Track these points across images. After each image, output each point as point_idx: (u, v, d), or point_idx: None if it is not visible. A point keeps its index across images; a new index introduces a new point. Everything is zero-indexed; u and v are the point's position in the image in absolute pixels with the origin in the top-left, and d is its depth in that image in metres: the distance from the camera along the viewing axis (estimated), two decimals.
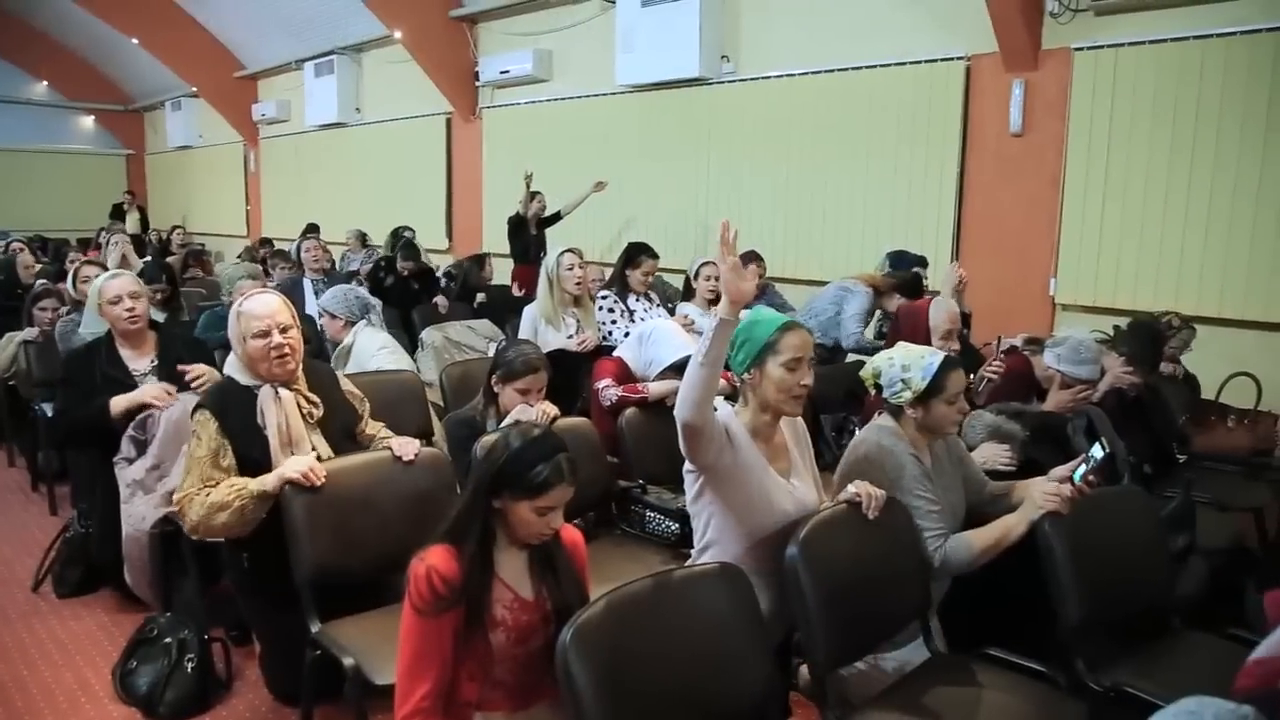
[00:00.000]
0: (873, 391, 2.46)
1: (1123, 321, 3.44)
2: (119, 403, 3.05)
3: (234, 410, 2.49)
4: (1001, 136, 5.15)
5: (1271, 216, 4.25)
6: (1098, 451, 2.28)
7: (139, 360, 3.24)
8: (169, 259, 8.26)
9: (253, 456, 2.44)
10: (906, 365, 2.33)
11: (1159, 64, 4.52)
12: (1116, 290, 4.73)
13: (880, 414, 2.45)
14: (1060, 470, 2.33)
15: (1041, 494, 2.24)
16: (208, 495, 2.37)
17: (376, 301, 4.15)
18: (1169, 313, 4.01)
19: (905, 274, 4.60)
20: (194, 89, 12.46)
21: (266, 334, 2.49)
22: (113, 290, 3.21)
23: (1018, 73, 5.03)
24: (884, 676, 2.24)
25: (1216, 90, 4.35)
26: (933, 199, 5.44)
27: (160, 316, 4.11)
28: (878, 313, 4.69)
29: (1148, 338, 3.27)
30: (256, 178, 12.46)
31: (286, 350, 2.51)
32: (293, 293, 5.49)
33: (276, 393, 2.53)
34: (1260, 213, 4.28)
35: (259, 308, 2.52)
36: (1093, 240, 4.83)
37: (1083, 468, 2.27)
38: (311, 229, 8.64)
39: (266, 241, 9.36)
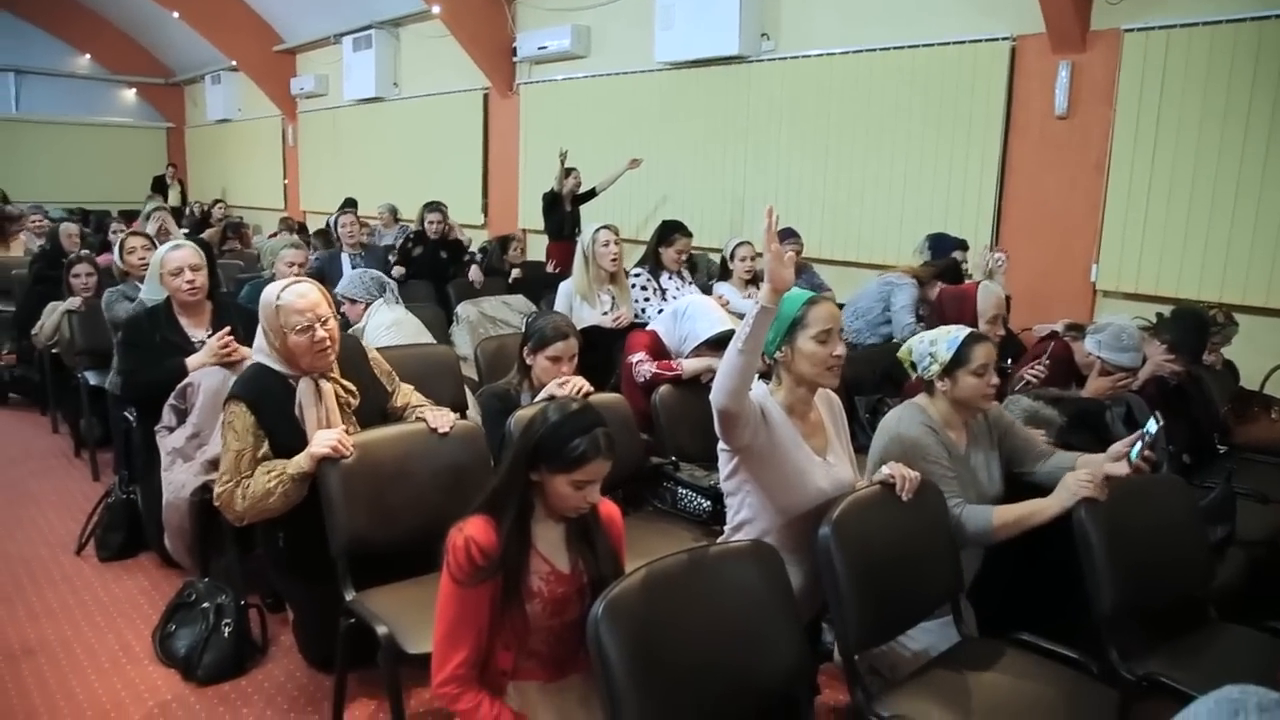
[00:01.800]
0: (910, 373, 2.48)
1: (1164, 309, 3.38)
2: (194, 362, 3.11)
3: (270, 401, 2.48)
4: (1046, 119, 5.05)
5: None
6: (1152, 425, 2.27)
7: (196, 330, 3.30)
8: (207, 232, 8.39)
9: (291, 447, 2.44)
10: (934, 340, 2.42)
11: (1212, 46, 4.40)
12: (1159, 278, 4.64)
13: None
14: (1118, 446, 2.31)
15: (1076, 480, 2.22)
16: (248, 487, 2.39)
17: (392, 281, 4.15)
18: (1213, 306, 3.94)
19: (945, 261, 4.56)
20: (233, 63, 12.56)
21: (309, 328, 2.46)
22: (175, 262, 3.26)
23: (1064, 54, 4.93)
24: (914, 658, 2.24)
25: (1271, 74, 4.23)
26: (974, 182, 5.36)
27: None
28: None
29: (1192, 326, 3.22)
30: (294, 152, 12.55)
31: (328, 343, 2.51)
32: (330, 267, 5.58)
33: (317, 386, 2.53)
34: None
35: (299, 301, 2.47)
36: (1136, 227, 4.73)
37: (1139, 445, 2.25)
38: (349, 203, 8.70)
39: (302, 228, 9.43)
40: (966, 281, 4.26)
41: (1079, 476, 2.23)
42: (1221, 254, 4.46)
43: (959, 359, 2.36)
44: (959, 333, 2.41)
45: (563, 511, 1.80)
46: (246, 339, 2.99)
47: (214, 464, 2.74)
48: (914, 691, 1.99)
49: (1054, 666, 2.12)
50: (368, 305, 3.89)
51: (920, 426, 2.37)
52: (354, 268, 5.75)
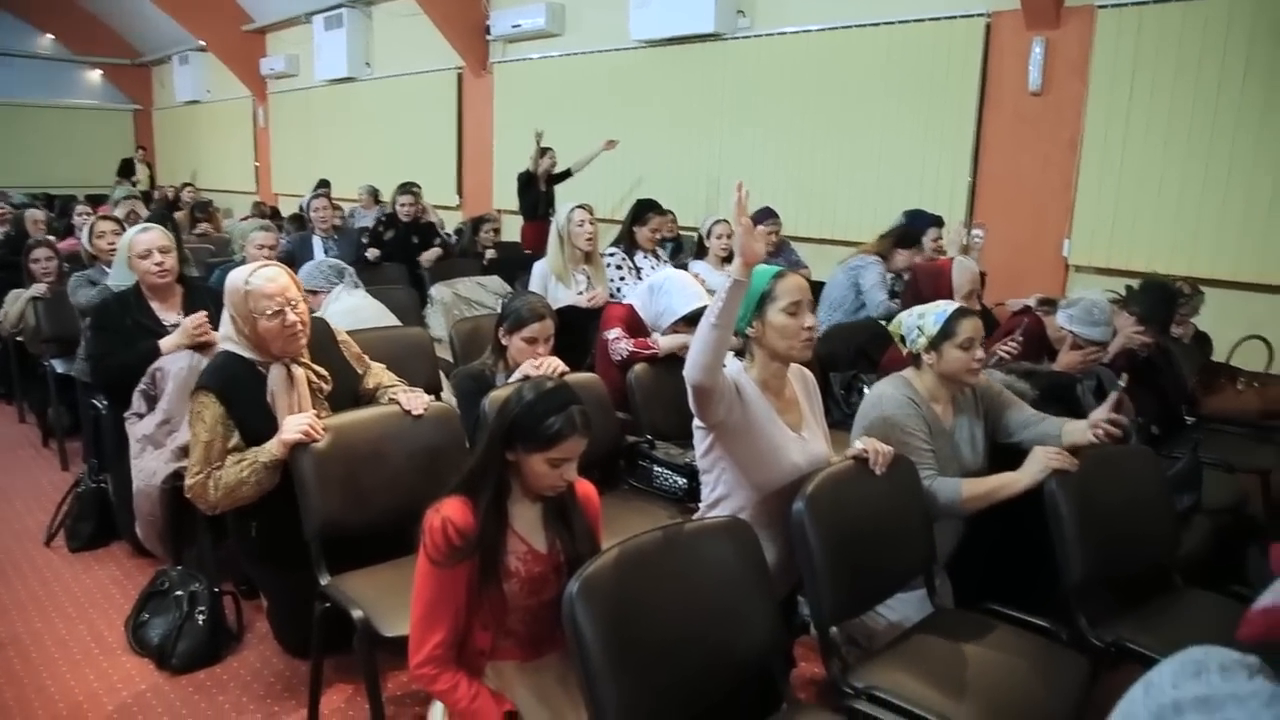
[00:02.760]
0: (900, 345, 2.51)
1: (1135, 284, 3.41)
2: (168, 344, 3.07)
3: (240, 390, 2.44)
4: (1020, 95, 5.07)
5: None
6: (1120, 383, 2.34)
7: (167, 313, 3.26)
8: (176, 214, 8.27)
9: (263, 435, 2.40)
10: (923, 314, 2.45)
11: (1183, 22, 4.43)
12: (1131, 253, 4.68)
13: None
14: (1099, 413, 2.35)
15: (1045, 453, 2.26)
16: (220, 478, 2.37)
17: (350, 266, 4.09)
18: (1181, 279, 3.98)
19: (898, 228, 4.60)
20: (202, 43, 12.35)
21: (280, 313, 2.42)
22: (143, 244, 3.20)
23: (1039, 30, 4.94)
24: (888, 629, 2.27)
25: (1241, 52, 4.27)
26: (949, 158, 5.37)
27: None
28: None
29: (1160, 297, 3.25)
30: (266, 133, 12.39)
31: (299, 327, 2.47)
32: (302, 250, 5.52)
33: (289, 371, 2.49)
34: (1277, 178, 4.21)
35: (268, 285, 2.43)
36: (1109, 202, 4.77)
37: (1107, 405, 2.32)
38: (322, 185, 8.61)
39: (275, 212, 9.31)
40: (942, 257, 4.29)
41: (1048, 450, 2.27)
42: (1191, 229, 4.50)
43: (946, 332, 2.38)
44: (947, 306, 2.44)
45: (539, 490, 1.79)
46: (218, 325, 2.94)
47: (185, 450, 2.71)
48: (887, 663, 2.01)
49: (1025, 635, 2.15)
50: (327, 294, 3.85)
51: (904, 400, 2.39)
52: (326, 252, 5.71)
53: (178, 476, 2.82)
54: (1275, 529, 3.11)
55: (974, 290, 3.07)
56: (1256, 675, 0.87)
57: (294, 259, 5.03)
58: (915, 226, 4.63)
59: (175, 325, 3.18)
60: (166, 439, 2.98)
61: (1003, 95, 5.15)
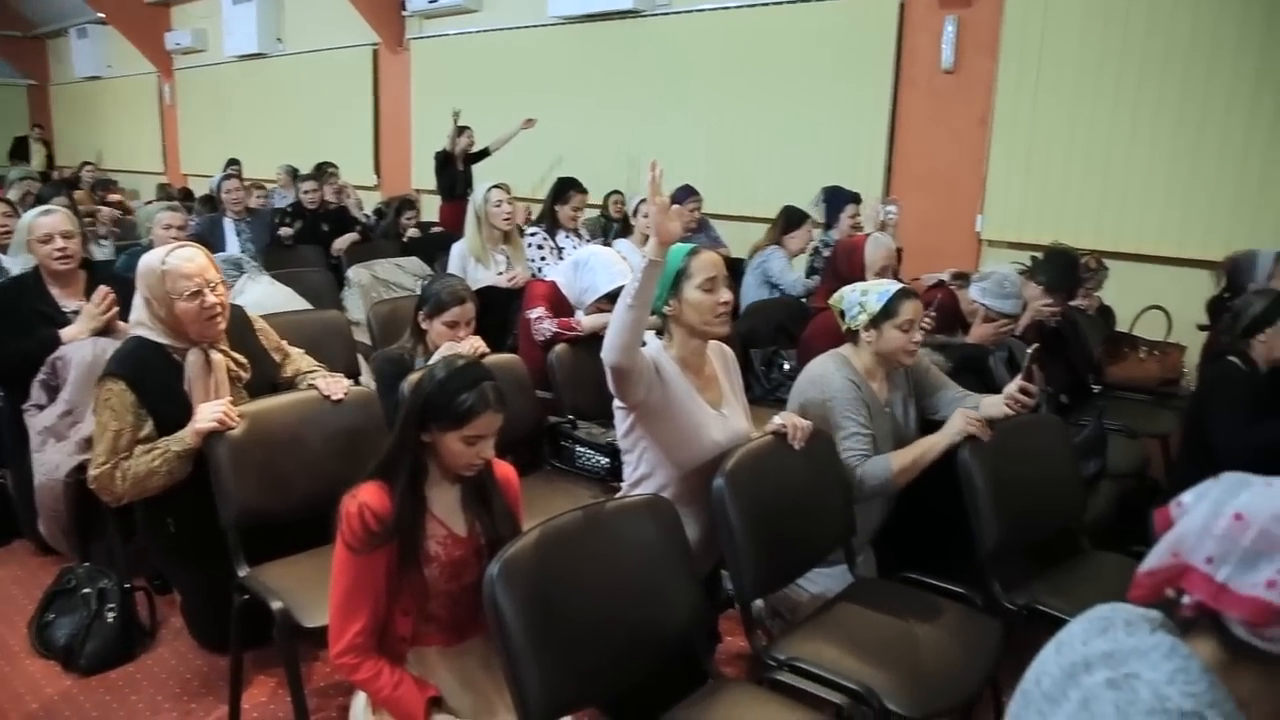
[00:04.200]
0: (839, 320, 2.51)
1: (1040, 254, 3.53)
2: (69, 332, 2.92)
3: (152, 377, 2.35)
4: (933, 73, 5.17)
5: (1185, 159, 4.37)
6: (1030, 350, 2.41)
7: (69, 300, 3.10)
8: (77, 194, 7.89)
9: (177, 424, 2.31)
10: (866, 290, 2.46)
11: (1089, 4, 4.56)
12: (1040, 228, 4.81)
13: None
14: (1011, 387, 2.42)
15: (963, 415, 2.32)
16: (128, 468, 2.28)
17: (248, 258, 3.95)
18: (1086, 253, 4.12)
19: (778, 217, 4.79)
20: (100, 15, 11.77)
21: (199, 294, 2.34)
22: (44, 228, 3.04)
23: (951, 9, 5.03)
24: (810, 601, 2.31)
25: (1143, 31, 4.42)
26: (865, 135, 5.45)
27: None
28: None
29: (1063, 265, 3.36)
30: (173, 111, 11.89)
31: (219, 309, 2.39)
32: (211, 233, 5.32)
33: (208, 358, 2.41)
34: (1175, 155, 4.39)
35: (187, 265, 2.35)
36: (1018, 178, 4.91)
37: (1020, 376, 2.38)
38: (232, 165, 8.32)
39: (186, 194, 8.96)
40: (858, 234, 4.37)
41: (966, 412, 2.34)
42: (1096, 203, 4.66)
43: (887, 311, 2.39)
44: (891, 286, 2.45)
45: (457, 470, 1.78)
46: (124, 310, 2.81)
47: (89, 442, 2.60)
48: (808, 634, 2.05)
49: (942, 602, 2.21)
50: (229, 289, 3.71)
51: (846, 382, 2.39)
52: (239, 234, 5.53)
53: (82, 470, 2.69)
54: (1172, 490, 3.26)
55: (888, 265, 3.12)
56: (1158, 629, 0.92)
57: (204, 243, 4.83)
58: (797, 209, 4.77)
59: (77, 312, 3.04)
60: (69, 430, 2.86)
61: (916, 73, 5.24)
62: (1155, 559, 0.93)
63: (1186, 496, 0.94)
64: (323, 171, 6.88)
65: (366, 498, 1.70)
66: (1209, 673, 0.86)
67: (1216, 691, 0.85)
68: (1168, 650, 0.88)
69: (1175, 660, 0.87)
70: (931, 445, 2.32)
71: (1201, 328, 3.72)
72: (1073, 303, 3.71)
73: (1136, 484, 3.23)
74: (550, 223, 4.54)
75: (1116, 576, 2.39)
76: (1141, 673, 0.87)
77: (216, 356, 2.44)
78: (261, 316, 2.83)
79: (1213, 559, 0.87)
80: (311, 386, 2.54)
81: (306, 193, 6.04)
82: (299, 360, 2.74)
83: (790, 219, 4.73)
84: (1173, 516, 0.94)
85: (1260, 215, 4.16)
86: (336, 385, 2.52)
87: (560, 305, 3.33)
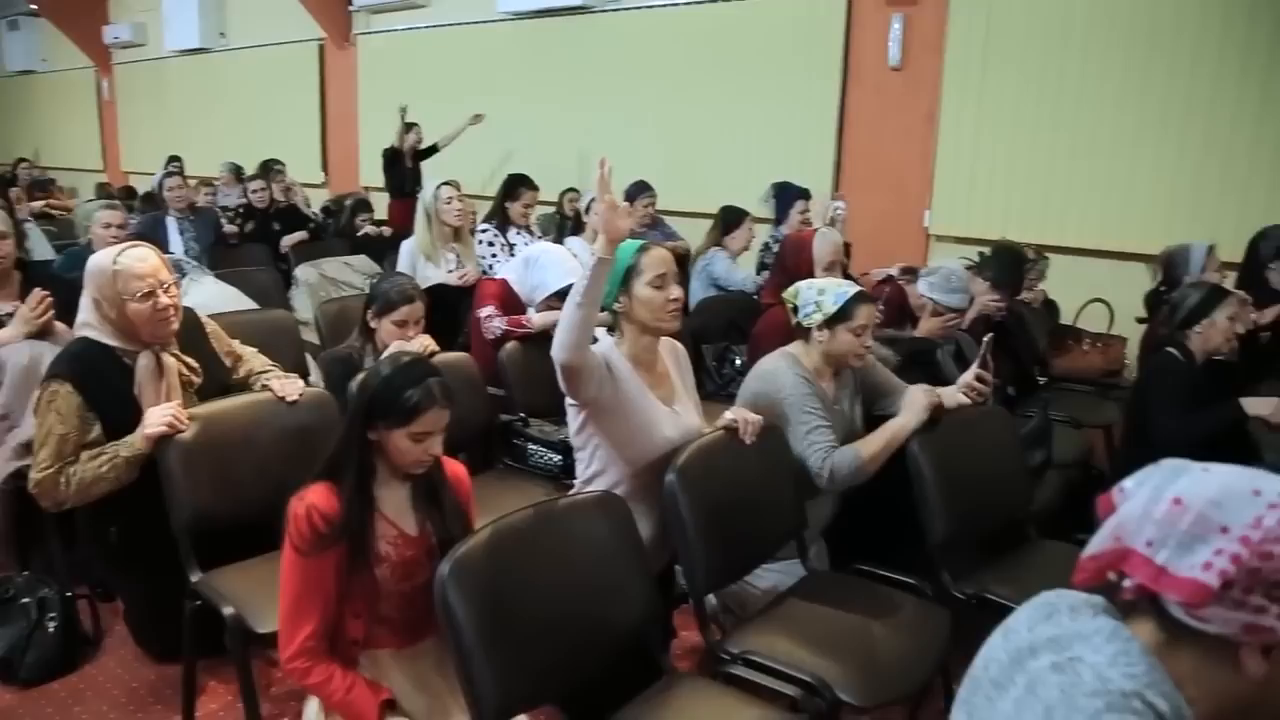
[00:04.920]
0: (791, 314, 2.50)
1: (988, 250, 3.59)
2: (3, 335, 2.81)
3: (100, 380, 2.29)
4: (881, 70, 5.22)
5: (1124, 155, 4.48)
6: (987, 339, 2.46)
7: (3, 302, 2.99)
8: (12, 192, 7.65)
9: (126, 429, 2.26)
10: (823, 290, 2.44)
11: (1031, 2, 4.65)
12: (987, 223, 4.89)
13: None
14: (966, 376, 2.47)
15: (920, 392, 2.36)
16: (74, 474, 2.22)
17: (190, 259, 3.86)
18: (1029, 246, 4.20)
19: (716, 218, 4.78)
20: (32, 6, 11.40)
21: (152, 294, 2.28)
22: None
23: (897, 7, 5.09)
24: (764, 595, 2.32)
25: (1082, 32, 4.52)
26: (814, 132, 5.50)
27: None
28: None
29: (1009, 261, 3.42)
30: (112, 107, 11.58)
31: (171, 311, 2.34)
32: (154, 232, 5.20)
33: (159, 362, 2.35)
34: (1115, 152, 4.50)
35: (139, 265, 2.30)
36: (965, 174, 4.99)
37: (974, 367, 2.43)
38: (173, 162, 8.12)
39: (128, 192, 8.73)
40: (807, 229, 4.42)
41: (921, 387, 2.38)
42: (1040, 199, 4.76)
43: (842, 314, 2.38)
44: (848, 288, 2.43)
45: (406, 468, 1.76)
46: (63, 311, 2.75)
47: (27, 448, 2.51)
48: (761, 627, 2.06)
49: (893, 592, 2.25)
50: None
51: (798, 379, 2.39)
52: (182, 233, 5.40)
53: (20, 476, 2.61)
54: (1116, 480, 3.34)
55: (836, 261, 3.15)
56: (1101, 614, 0.94)
57: (147, 242, 4.72)
58: (734, 208, 4.76)
59: (11, 315, 2.94)
60: (6, 436, 2.77)
61: (864, 70, 5.30)
62: (1098, 543, 0.95)
63: (1128, 483, 0.96)
64: (269, 169, 6.75)
65: (314, 499, 1.68)
66: (1148, 654, 0.89)
67: (1155, 672, 0.87)
68: (1109, 634, 0.91)
69: (1116, 643, 0.89)
70: (902, 426, 2.34)
71: (1140, 320, 3.81)
72: (1018, 297, 3.78)
73: (1081, 473, 3.30)
74: (501, 220, 4.51)
75: (1063, 564, 2.42)
76: (1084, 656, 0.89)
77: (169, 360, 2.38)
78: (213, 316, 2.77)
79: (1152, 542, 0.89)
80: (265, 387, 2.49)
81: (255, 192, 5.92)
82: (252, 360, 2.69)
83: (728, 219, 4.71)
84: (1115, 502, 0.96)
85: (1196, 210, 4.29)
86: (291, 386, 2.48)
87: (512, 303, 3.31)
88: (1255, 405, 2.69)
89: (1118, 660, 0.88)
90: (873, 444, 2.33)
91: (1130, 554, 0.91)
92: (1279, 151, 4.08)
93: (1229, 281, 3.30)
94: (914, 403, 2.37)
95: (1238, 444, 2.64)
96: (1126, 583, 0.92)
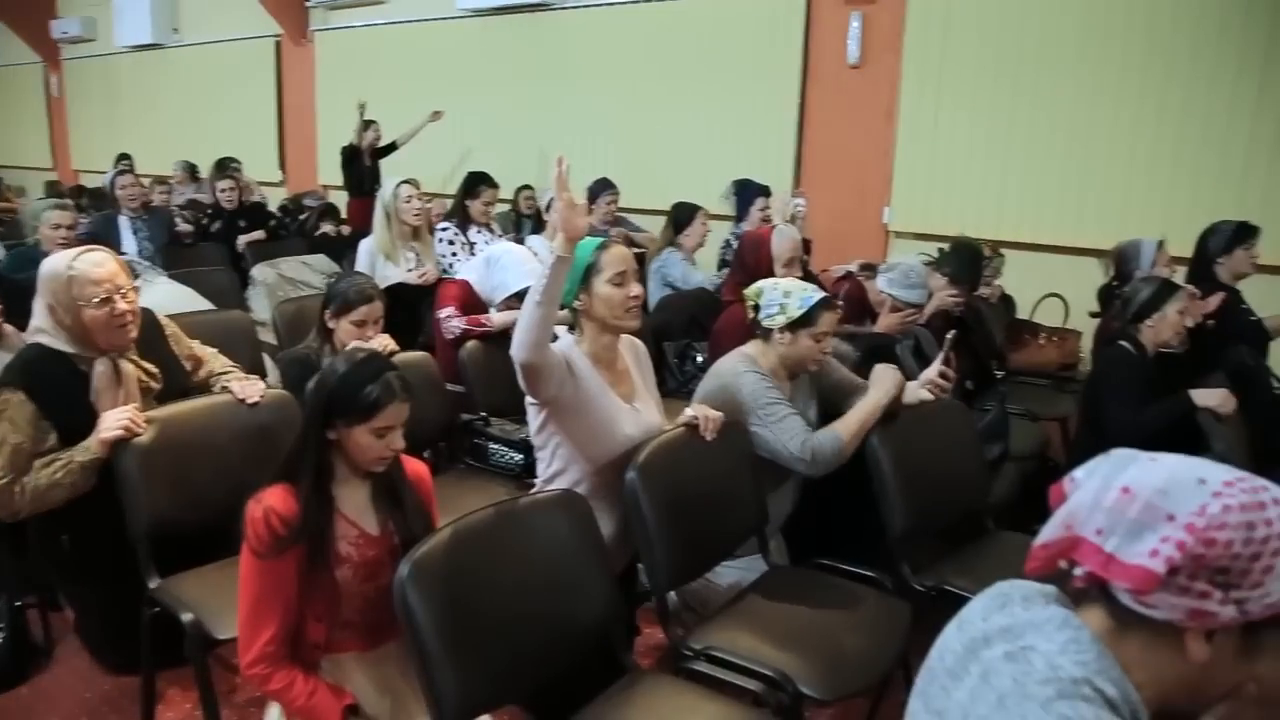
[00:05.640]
0: (751, 313, 2.48)
1: (946, 246, 3.63)
2: None
3: (53, 387, 2.23)
4: (840, 68, 5.27)
5: (1078, 152, 4.56)
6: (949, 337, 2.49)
7: None
8: None
9: (80, 437, 2.20)
10: (789, 292, 2.42)
11: (987, 1, 4.72)
12: (945, 219, 4.95)
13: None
14: (929, 372, 2.49)
15: (891, 373, 2.38)
16: (29, 483, 2.16)
17: (142, 260, 3.78)
18: (986, 243, 4.26)
19: (668, 219, 4.73)
20: None
21: (108, 301, 2.22)
22: None
23: (856, 5, 5.14)
24: (726, 591, 2.33)
25: (1037, 30, 4.59)
26: (774, 129, 5.53)
27: None
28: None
29: (968, 258, 3.47)
30: (61, 104, 11.32)
31: (129, 317, 2.28)
32: (106, 232, 5.09)
33: (117, 369, 2.29)
34: (1070, 148, 4.58)
35: (96, 270, 2.23)
36: (923, 171, 5.05)
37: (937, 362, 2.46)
38: (123, 160, 7.96)
39: (79, 191, 8.54)
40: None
41: (884, 366, 2.41)
42: (997, 195, 4.84)
43: (807, 319, 2.37)
44: (815, 294, 2.41)
45: (367, 465, 1.74)
46: (11, 313, 2.69)
47: None
48: (723, 623, 2.07)
49: (854, 586, 2.27)
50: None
51: (757, 379, 2.37)
52: (135, 233, 5.29)
53: None
54: (1070, 469, 3.39)
55: (795, 258, 3.17)
56: (1052, 603, 0.96)
57: (99, 242, 4.62)
58: (686, 205, 4.70)
59: None
60: None
61: (824, 68, 5.34)
62: (1050, 532, 0.96)
63: (1078, 472, 0.98)
64: (225, 168, 6.64)
65: (271, 501, 1.65)
66: (1098, 641, 0.90)
67: (1104, 659, 0.89)
68: (1060, 622, 0.92)
69: (1067, 631, 0.91)
70: (875, 403, 2.36)
71: (1094, 315, 3.88)
72: (976, 292, 3.83)
73: (1038, 465, 3.36)
74: (461, 218, 4.48)
75: (1020, 555, 2.42)
76: (1036, 645, 0.91)
77: (126, 366, 2.33)
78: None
79: (1102, 530, 0.91)
80: (225, 389, 2.45)
81: (223, 191, 5.83)
82: (212, 362, 2.64)
83: (680, 216, 4.64)
84: (1066, 491, 0.98)
85: (1147, 205, 4.38)
86: (252, 388, 2.44)
87: (473, 304, 3.30)
88: (1204, 397, 2.75)
89: (1068, 648, 0.89)
90: (850, 423, 2.34)
91: (1080, 542, 0.93)
92: (1226, 149, 4.19)
93: (1178, 276, 3.36)
94: (882, 379, 2.39)
95: (1187, 434, 2.70)
96: (1077, 571, 0.94)
